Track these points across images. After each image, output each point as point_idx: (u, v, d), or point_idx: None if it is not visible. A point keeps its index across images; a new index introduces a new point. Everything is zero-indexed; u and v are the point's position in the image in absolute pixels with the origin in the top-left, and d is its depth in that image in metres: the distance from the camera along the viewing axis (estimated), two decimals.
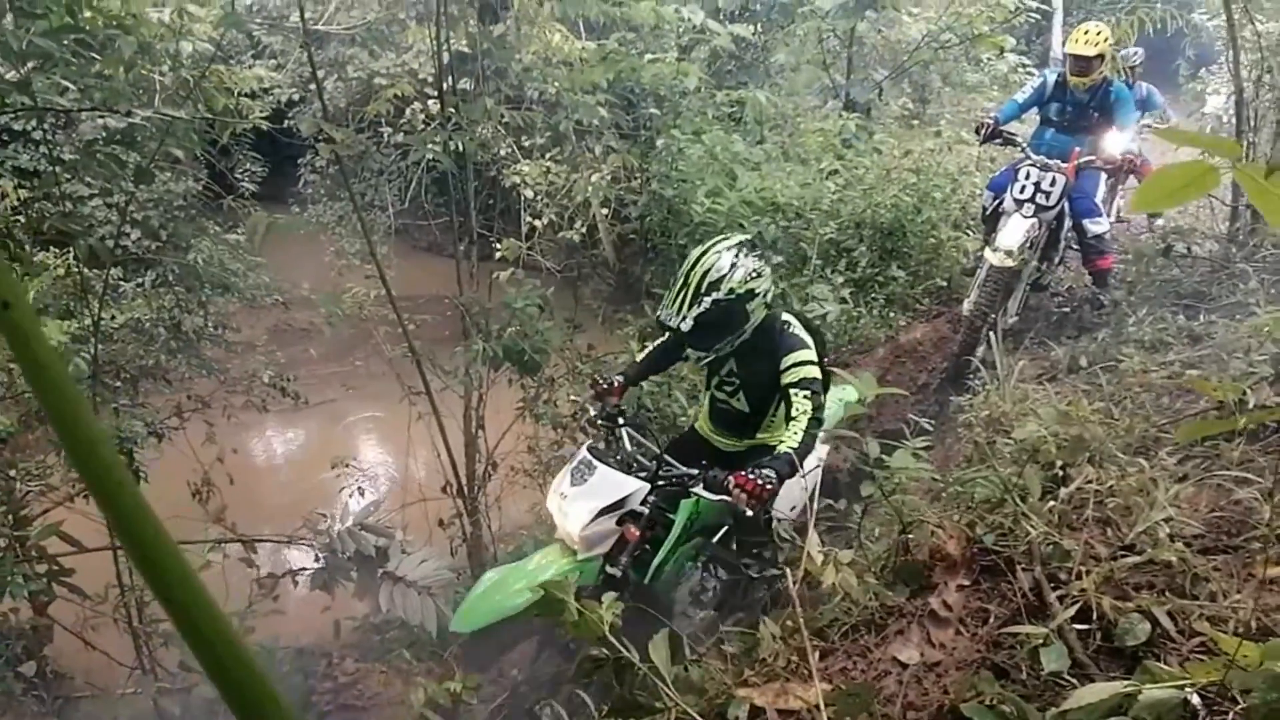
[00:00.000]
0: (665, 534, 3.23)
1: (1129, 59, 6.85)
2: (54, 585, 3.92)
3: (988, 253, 5.04)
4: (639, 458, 3.34)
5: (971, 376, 4.39)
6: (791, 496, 3.46)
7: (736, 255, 3.06)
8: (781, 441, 2.95)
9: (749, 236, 3.26)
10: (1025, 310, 5.53)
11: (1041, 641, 1.76)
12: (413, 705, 2.21)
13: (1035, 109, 5.73)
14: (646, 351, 3.71)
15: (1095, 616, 1.82)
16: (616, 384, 3.58)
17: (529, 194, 7.53)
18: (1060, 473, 2.47)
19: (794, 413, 3.00)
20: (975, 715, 1.57)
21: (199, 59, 4.30)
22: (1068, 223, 5.32)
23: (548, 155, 7.55)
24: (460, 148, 4.57)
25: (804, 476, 3.28)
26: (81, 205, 6.60)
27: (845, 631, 2.16)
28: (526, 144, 7.86)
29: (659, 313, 3.14)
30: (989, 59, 10.33)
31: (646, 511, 3.12)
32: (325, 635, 4.13)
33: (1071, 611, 1.80)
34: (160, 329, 6.01)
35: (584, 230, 8.03)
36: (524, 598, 2.86)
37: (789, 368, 3.09)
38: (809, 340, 3.17)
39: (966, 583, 2.11)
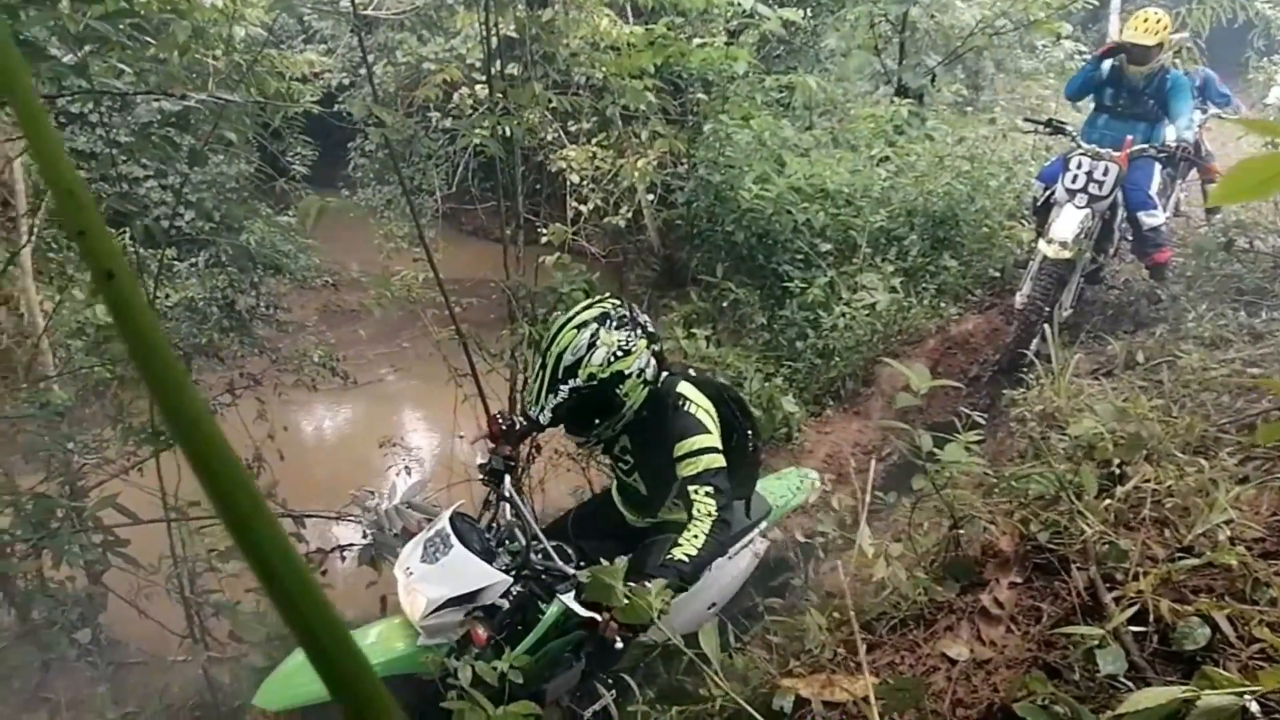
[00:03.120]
0: (536, 622, 2.73)
1: (1177, 43, 6.67)
2: (109, 555, 4.03)
3: (1041, 244, 4.95)
4: (516, 531, 2.79)
5: (1026, 370, 4.32)
6: (710, 594, 3.11)
7: (597, 332, 2.61)
8: (678, 543, 2.51)
9: (617, 303, 2.75)
10: (1080, 303, 5.42)
11: (1097, 643, 1.72)
12: (458, 683, 2.22)
13: (1090, 95, 5.63)
14: None
15: (1152, 619, 1.77)
16: (517, 426, 3.00)
17: (575, 179, 7.55)
18: (1117, 471, 2.41)
19: (694, 513, 2.55)
20: (1029, 715, 1.54)
21: (252, 43, 4.37)
22: (1121, 214, 5.21)
23: (594, 140, 7.55)
24: (508, 133, 4.58)
25: (728, 576, 3.01)
26: (137, 186, 6.75)
27: (893, 626, 2.14)
28: (573, 129, 7.87)
29: (524, 397, 2.77)
30: (1044, 45, 10.11)
31: (506, 605, 2.62)
32: (371, 610, 4.19)
33: (1129, 613, 1.76)
34: (214, 308, 6.14)
35: (629, 216, 8.03)
36: None
37: (684, 457, 2.63)
38: (706, 421, 2.71)
39: (1019, 580, 2.07)
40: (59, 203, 0.28)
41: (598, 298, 2.81)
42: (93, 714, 4.02)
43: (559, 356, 2.61)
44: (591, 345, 2.60)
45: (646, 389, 2.71)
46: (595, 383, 2.61)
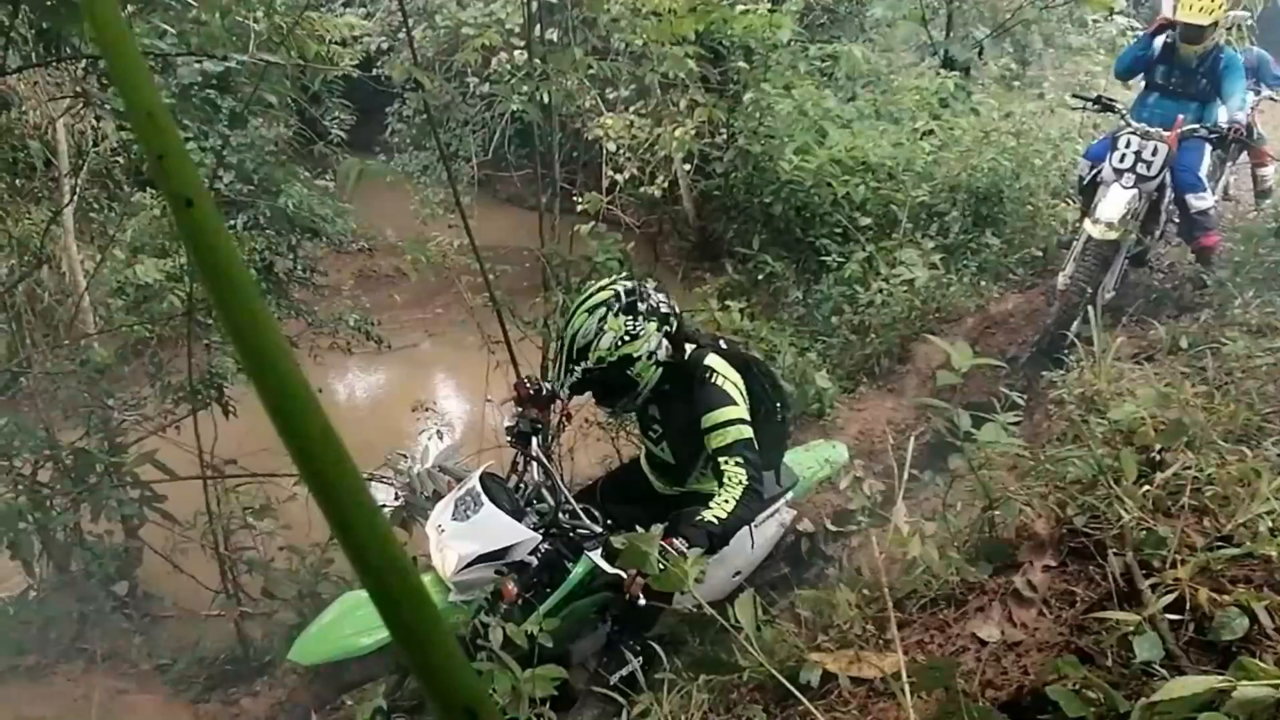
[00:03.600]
0: (563, 582, 2.80)
1: (1232, 20, 6.45)
2: (146, 510, 4.12)
3: (1087, 224, 4.85)
4: (544, 491, 2.86)
5: (1067, 352, 4.24)
6: (736, 562, 3.11)
7: (604, 317, 2.67)
8: (709, 506, 2.56)
9: (630, 284, 2.80)
10: (1123, 286, 5.31)
11: (1132, 629, 1.69)
12: (487, 644, 2.25)
13: (1140, 73, 5.48)
14: None
15: (1189, 608, 1.74)
16: (545, 391, 3.05)
17: (611, 147, 7.49)
18: (1157, 457, 2.37)
19: (725, 481, 2.61)
20: (1061, 699, 1.53)
21: (292, 6, 4.36)
22: (1169, 195, 5.08)
23: (632, 108, 7.48)
24: (546, 99, 4.55)
25: (753, 545, 3.00)
26: None
27: (923, 605, 2.12)
28: (611, 96, 7.80)
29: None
30: (1095, 20, 9.84)
31: (535, 563, 2.67)
32: None
33: (1166, 601, 1.73)
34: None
35: (665, 186, 7.97)
36: (376, 637, 2.52)
37: (712, 429, 2.68)
38: (733, 393, 2.73)
39: (1053, 564, 2.05)
40: (137, 125, 0.27)
41: (612, 279, 2.87)
42: (128, 664, 4.12)
43: (573, 338, 2.71)
44: (600, 330, 2.68)
45: (659, 369, 2.77)
46: (605, 365, 2.69)
